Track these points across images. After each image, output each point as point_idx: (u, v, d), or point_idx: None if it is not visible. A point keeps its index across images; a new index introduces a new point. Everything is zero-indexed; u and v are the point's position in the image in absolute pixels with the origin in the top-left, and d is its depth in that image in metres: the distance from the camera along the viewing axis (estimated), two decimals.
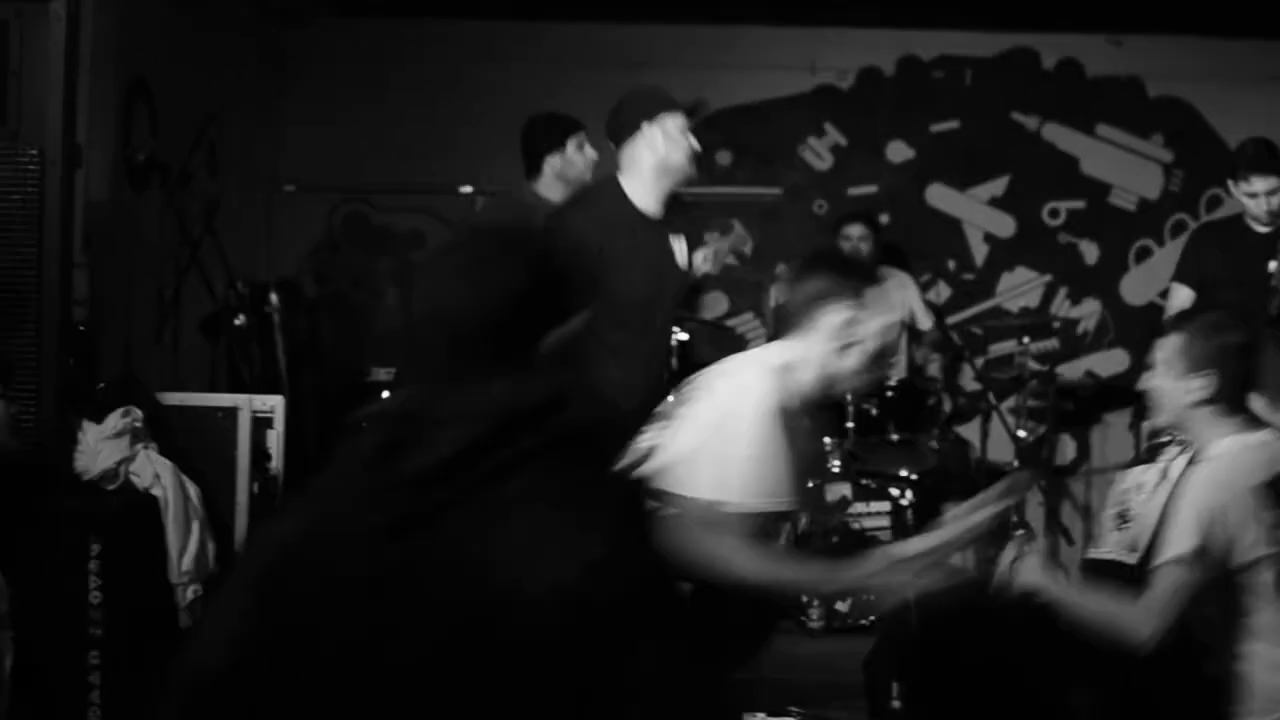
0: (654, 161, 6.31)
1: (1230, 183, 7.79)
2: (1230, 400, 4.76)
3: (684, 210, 6.78)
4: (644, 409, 5.42)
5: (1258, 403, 7.61)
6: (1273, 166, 7.54)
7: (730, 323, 10.20)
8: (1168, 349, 4.79)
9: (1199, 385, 4.70)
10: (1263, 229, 7.65)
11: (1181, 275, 7.94)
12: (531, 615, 2.44)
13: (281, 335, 8.41)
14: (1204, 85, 10.55)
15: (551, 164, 7.56)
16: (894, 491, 8.59)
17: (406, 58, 10.24)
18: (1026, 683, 5.59)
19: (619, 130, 6.43)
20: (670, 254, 6.53)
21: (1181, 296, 7.86)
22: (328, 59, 10.22)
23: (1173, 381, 4.75)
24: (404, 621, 2.47)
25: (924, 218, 10.51)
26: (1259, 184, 7.55)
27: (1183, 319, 5.08)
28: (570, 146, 7.58)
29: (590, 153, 7.60)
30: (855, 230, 9.53)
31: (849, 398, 8.70)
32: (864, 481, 8.59)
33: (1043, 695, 5.49)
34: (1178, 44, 10.48)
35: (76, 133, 6.56)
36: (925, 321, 9.80)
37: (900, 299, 9.61)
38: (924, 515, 8.80)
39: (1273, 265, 7.56)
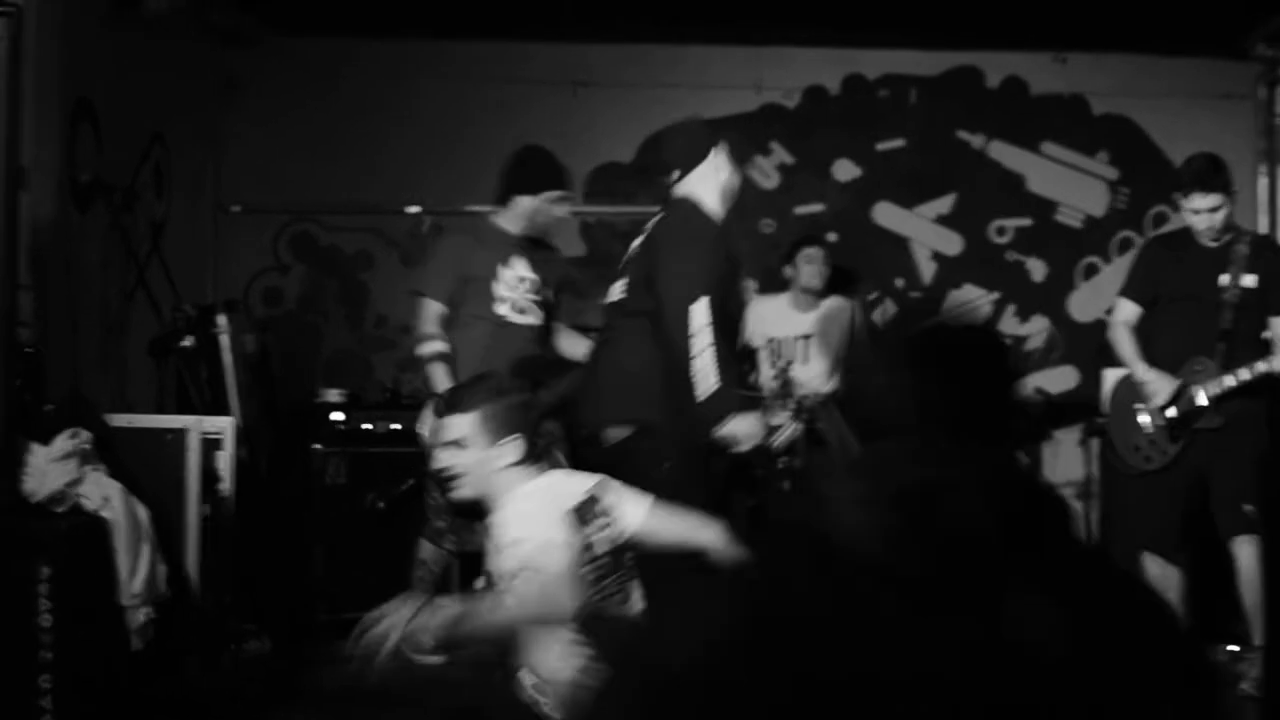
0: (719, 183, 6.60)
1: (1177, 197, 7.82)
2: (533, 453, 5.11)
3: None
4: None
5: (1153, 373, 7.67)
6: (1216, 184, 7.56)
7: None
8: (464, 427, 5.02)
9: (510, 449, 5.01)
10: (1212, 243, 7.67)
11: (1129, 290, 7.94)
12: None
13: (230, 356, 8.38)
14: (1148, 103, 10.61)
15: (523, 203, 7.58)
16: None
17: (352, 77, 10.21)
18: None
19: (690, 156, 6.65)
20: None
21: (1126, 310, 7.88)
22: (273, 79, 10.19)
23: (482, 453, 4.98)
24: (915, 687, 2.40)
25: (871, 236, 10.52)
26: (1201, 201, 7.57)
27: (461, 397, 5.21)
28: (543, 199, 7.63)
29: (562, 211, 7.76)
30: (814, 252, 9.54)
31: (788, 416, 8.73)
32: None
33: None
34: (1122, 62, 10.53)
35: (20, 153, 6.50)
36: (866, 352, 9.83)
37: (841, 325, 9.66)
38: None
39: (1224, 279, 7.58)
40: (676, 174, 6.63)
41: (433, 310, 7.54)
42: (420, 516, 7.82)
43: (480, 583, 8.06)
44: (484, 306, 7.60)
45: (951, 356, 2.91)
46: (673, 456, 6.15)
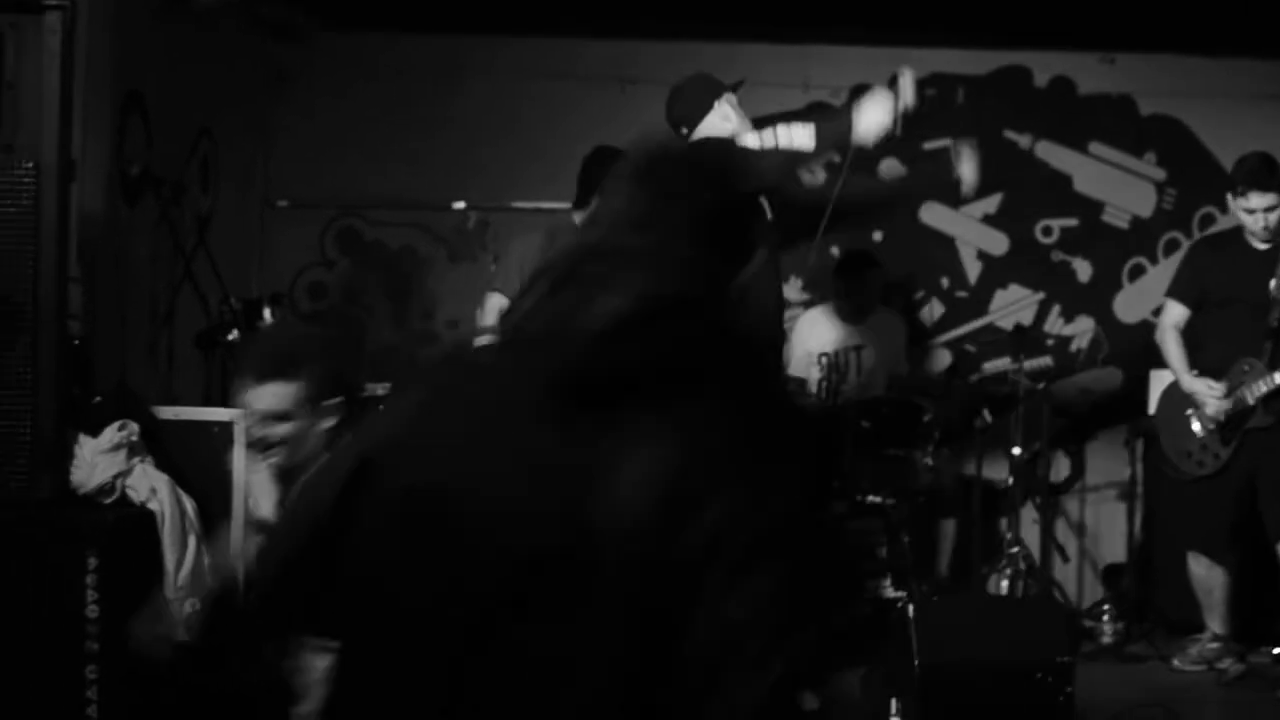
0: (729, 130, 6.69)
1: (1229, 197, 7.79)
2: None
3: None
4: None
5: (1200, 382, 7.66)
6: (1272, 183, 7.55)
7: None
8: (279, 396, 4.53)
9: (333, 412, 4.59)
10: (1262, 245, 7.65)
11: (1176, 291, 7.93)
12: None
13: None
14: (1196, 103, 10.56)
15: None
16: (888, 508, 8.59)
17: (399, 73, 10.23)
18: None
19: (691, 112, 6.81)
20: None
21: (1175, 313, 7.86)
22: (322, 74, 10.21)
23: (308, 421, 4.55)
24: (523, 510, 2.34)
25: (917, 235, 10.50)
26: (1257, 200, 7.56)
27: (285, 357, 4.71)
28: None
29: None
30: (872, 274, 9.58)
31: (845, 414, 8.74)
32: (857, 498, 8.59)
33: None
34: (1170, 62, 10.49)
35: (71, 146, 6.53)
36: (902, 366, 9.84)
37: (889, 339, 9.69)
38: (917, 532, 8.82)
39: (1273, 284, 7.56)
40: (684, 131, 6.67)
41: (498, 306, 7.60)
42: None
43: None
44: None
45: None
46: None
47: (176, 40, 8.40)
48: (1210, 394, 7.62)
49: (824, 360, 9.40)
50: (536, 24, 10.07)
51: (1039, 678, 5.87)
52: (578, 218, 7.74)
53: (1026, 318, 10.43)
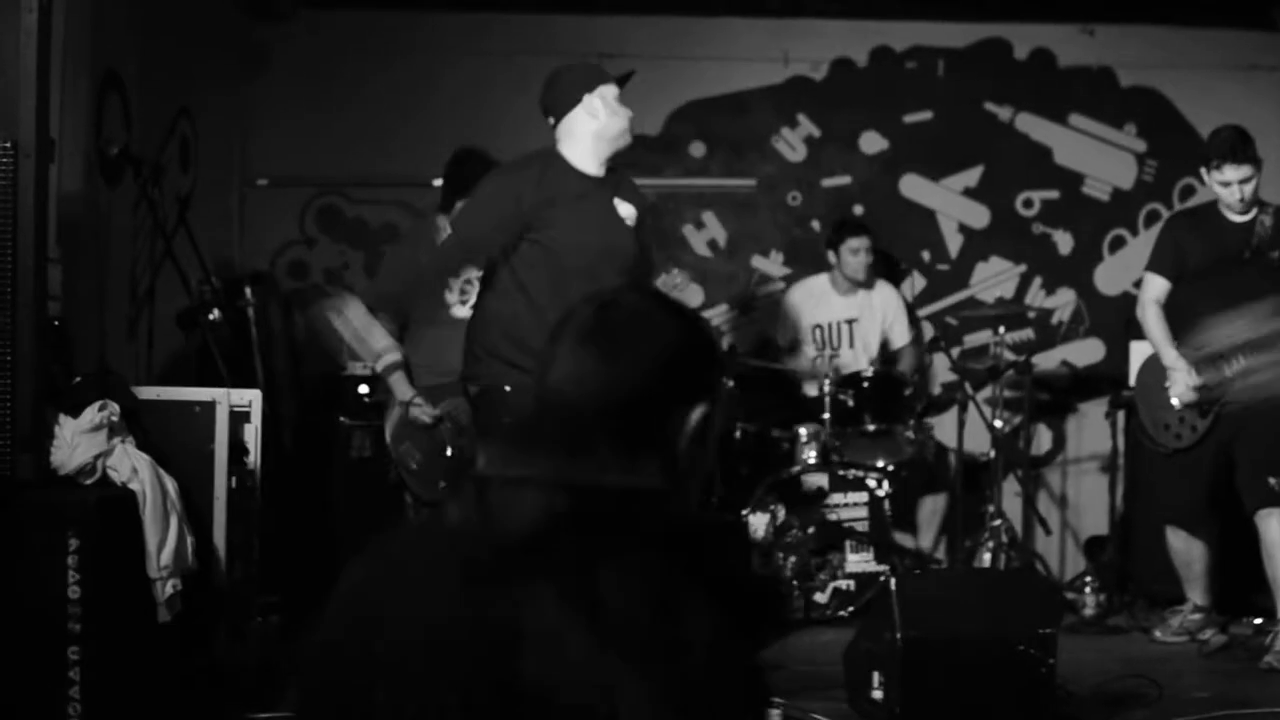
0: (595, 128, 6.53)
1: (1203, 170, 7.80)
2: None
3: (622, 175, 6.86)
4: None
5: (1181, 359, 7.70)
6: (1245, 155, 7.57)
7: (706, 314, 10.12)
8: None
9: None
10: (1238, 217, 7.66)
11: (1156, 264, 7.94)
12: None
13: (257, 329, 8.39)
14: (1176, 74, 10.60)
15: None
16: (870, 482, 8.60)
17: (378, 50, 10.22)
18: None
19: (556, 103, 6.63)
20: (615, 214, 6.64)
21: (1155, 287, 7.88)
22: (301, 52, 10.20)
23: None
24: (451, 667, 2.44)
25: (898, 209, 10.52)
26: (1232, 173, 7.57)
27: None
28: None
29: None
30: (859, 242, 9.55)
31: (826, 388, 8.75)
32: (840, 473, 8.61)
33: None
34: (1149, 33, 10.52)
35: (50, 126, 6.51)
36: (901, 338, 9.82)
37: (882, 309, 9.68)
38: (901, 505, 8.84)
39: (1248, 255, 7.59)
40: (550, 121, 6.64)
41: (386, 323, 7.71)
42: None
43: None
44: (435, 309, 7.72)
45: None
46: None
47: (155, 19, 8.38)
48: (1184, 378, 7.65)
49: (817, 333, 9.44)
50: (520, 2, 10.07)
51: (1021, 650, 5.87)
52: (442, 221, 7.76)
53: (1008, 290, 10.45)
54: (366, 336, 7.65)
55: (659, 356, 2.60)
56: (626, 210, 6.62)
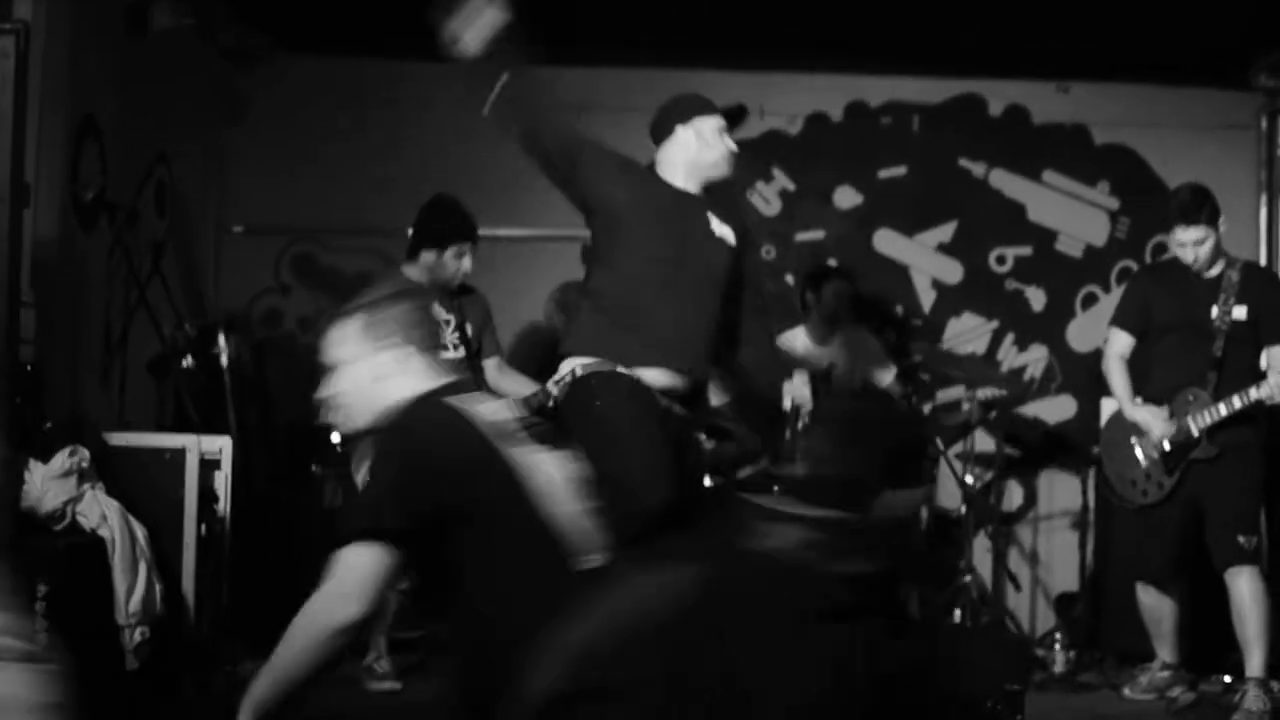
0: (685, 159, 6.51)
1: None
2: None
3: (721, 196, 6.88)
4: (685, 379, 6.13)
5: (1143, 410, 7.73)
6: (1198, 217, 7.59)
7: None
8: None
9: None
10: (1205, 274, 7.70)
11: (1120, 320, 7.97)
12: None
13: (230, 377, 8.38)
14: (1150, 133, 10.63)
15: (426, 258, 7.77)
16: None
17: (355, 98, 10.23)
18: None
19: (656, 132, 6.66)
20: (707, 225, 6.53)
21: (1119, 342, 7.91)
22: (278, 99, 10.20)
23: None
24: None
25: (872, 263, 10.53)
26: (1182, 234, 7.63)
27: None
28: (449, 253, 7.81)
29: (466, 264, 7.94)
30: (840, 287, 9.53)
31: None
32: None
33: None
34: (1124, 92, 10.56)
35: (25, 170, 6.52)
36: (884, 378, 9.83)
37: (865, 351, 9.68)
38: None
39: (1215, 312, 7.61)
40: (655, 146, 6.68)
41: None
42: None
43: None
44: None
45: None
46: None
47: (132, 64, 8.39)
48: (1154, 421, 7.67)
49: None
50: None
51: (989, 706, 5.87)
52: (411, 270, 7.82)
53: (980, 346, 10.47)
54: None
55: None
56: (723, 230, 6.61)
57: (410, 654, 8.15)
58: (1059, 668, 8.64)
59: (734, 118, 6.80)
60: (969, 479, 9.48)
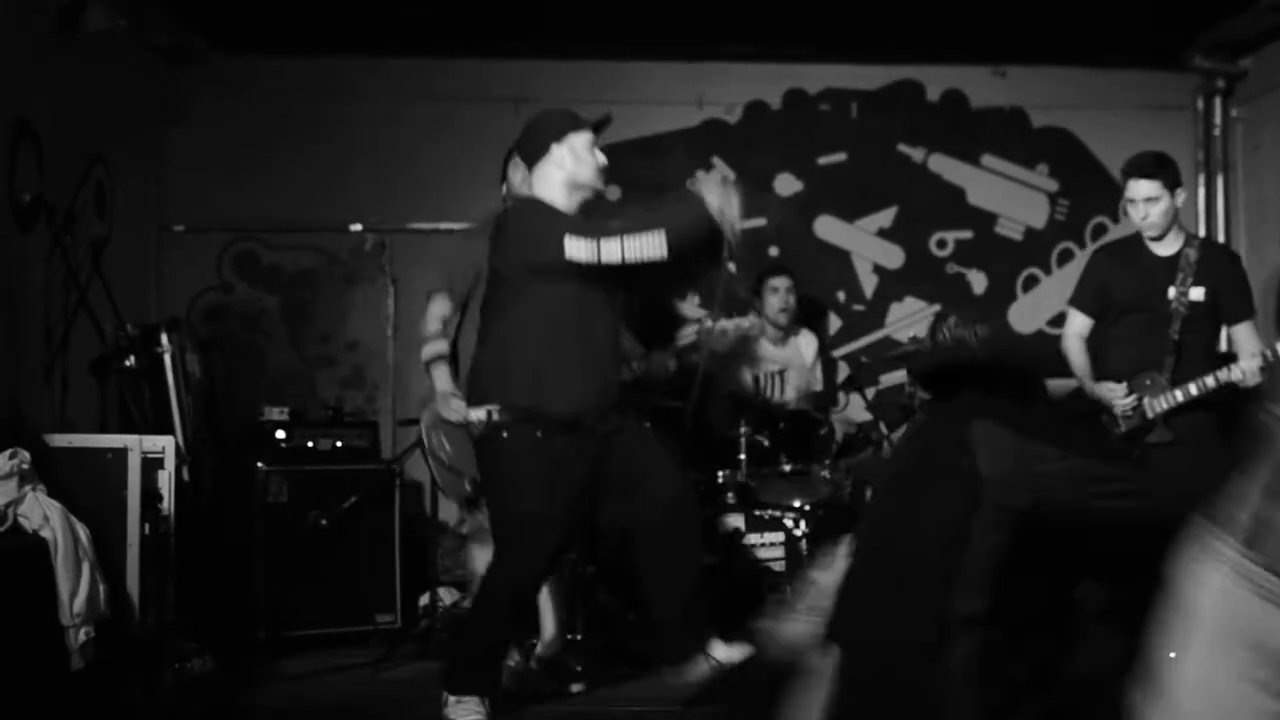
0: (563, 178, 6.56)
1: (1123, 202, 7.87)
2: None
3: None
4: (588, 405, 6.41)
5: (1104, 387, 7.74)
6: (1154, 172, 7.56)
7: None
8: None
9: None
10: (1162, 250, 7.69)
11: (1078, 300, 7.95)
12: None
13: (173, 376, 8.37)
14: (1087, 115, 10.69)
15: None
16: (787, 522, 8.61)
17: (295, 96, 10.22)
18: None
19: (530, 153, 6.70)
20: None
21: (1077, 322, 7.89)
22: (215, 97, 10.19)
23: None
24: None
25: (813, 250, 10.57)
26: (1134, 189, 7.59)
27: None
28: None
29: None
30: (781, 282, 9.58)
31: (742, 430, 8.76)
32: (757, 513, 8.62)
33: None
34: (1061, 75, 10.62)
35: None
36: (817, 384, 9.87)
37: (807, 356, 9.73)
38: (817, 545, 8.85)
39: (1172, 293, 7.61)
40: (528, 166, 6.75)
41: (439, 310, 7.64)
42: (366, 529, 7.88)
43: (425, 599, 8.16)
44: None
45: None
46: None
47: (66, 66, 8.36)
48: (1115, 395, 7.65)
49: (754, 383, 9.48)
50: (432, 46, 10.09)
51: None
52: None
53: (922, 330, 10.50)
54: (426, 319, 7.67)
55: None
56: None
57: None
58: None
59: (600, 128, 6.81)
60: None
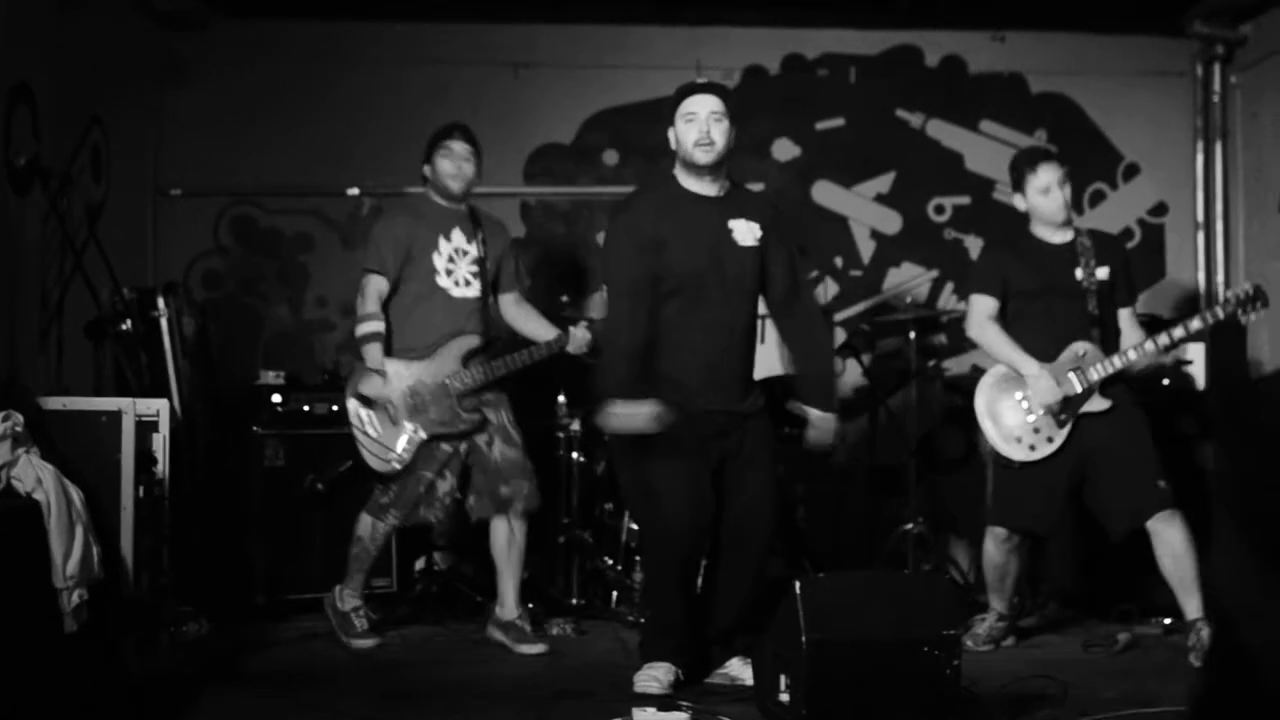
0: (679, 153, 7.15)
1: (1018, 196, 7.89)
2: None
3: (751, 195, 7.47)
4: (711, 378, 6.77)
5: (1035, 364, 7.72)
6: (1059, 159, 7.74)
7: None
8: None
9: None
10: (1055, 238, 7.74)
11: (979, 286, 7.92)
12: None
13: (169, 339, 8.38)
14: (1086, 81, 10.68)
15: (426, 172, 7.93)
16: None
17: (290, 59, 10.21)
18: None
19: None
20: (726, 231, 7.00)
21: (985, 304, 7.85)
22: (214, 61, 10.17)
23: None
24: None
25: (811, 215, 10.56)
26: (1046, 175, 7.71)
27: None
28: (436, 156, 8.11)
29: (453, 166, 8.06)
30: None
31: None
32: None
33: None
34: (1060, 40, 10.61)
35: None
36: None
37: None
38: (812, 509, 8.86)
39: (1079, 273, 7.65)
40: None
41: (378, 288, 7.69)
42: (362, 494, 7.89)
43: (420, 564, 8.19)
44: (425, 283, 7.72)
45: None
46: None
47: (66, 30, 8.35)
48: (1044, 373, 7.65)
49: None
50: (431, 9, 10.08)
51: (926, 651, 5.91)
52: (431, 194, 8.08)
53: (920, 296, 10.51)
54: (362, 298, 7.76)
55: None
56: (743, 227, 7.14)
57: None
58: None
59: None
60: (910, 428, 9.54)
